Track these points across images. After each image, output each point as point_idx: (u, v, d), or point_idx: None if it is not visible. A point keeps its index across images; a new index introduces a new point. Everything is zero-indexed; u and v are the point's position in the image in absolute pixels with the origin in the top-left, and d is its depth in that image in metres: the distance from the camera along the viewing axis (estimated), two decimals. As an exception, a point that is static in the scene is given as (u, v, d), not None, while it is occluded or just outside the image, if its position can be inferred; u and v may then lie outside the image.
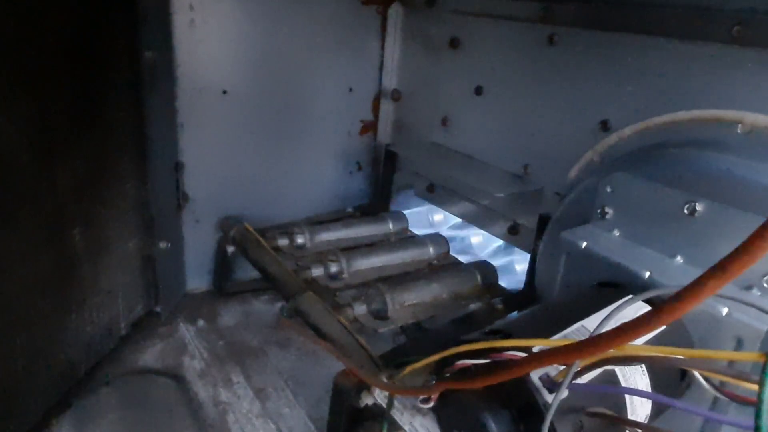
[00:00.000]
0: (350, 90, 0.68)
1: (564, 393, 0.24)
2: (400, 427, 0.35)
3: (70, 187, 0.44)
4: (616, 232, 0.39)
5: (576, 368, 0.23)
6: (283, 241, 0.59)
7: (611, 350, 0.22)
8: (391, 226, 0.65)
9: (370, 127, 0.71)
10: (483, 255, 0.67)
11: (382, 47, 0.68)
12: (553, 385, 0.25)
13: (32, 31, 0.38)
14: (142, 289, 0.57)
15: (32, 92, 0.39)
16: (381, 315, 0.47)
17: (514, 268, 0.62)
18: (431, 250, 0.59)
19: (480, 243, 0.67)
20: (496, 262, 0.59)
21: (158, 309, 0.59)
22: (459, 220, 0.66)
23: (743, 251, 0.14)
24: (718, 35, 0.38)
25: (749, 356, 0.17)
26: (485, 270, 0.56)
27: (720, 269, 0.15)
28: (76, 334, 0.47)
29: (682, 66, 0.41)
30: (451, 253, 0.61)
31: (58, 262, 0.44)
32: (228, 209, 0.64)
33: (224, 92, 0.58)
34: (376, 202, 0.74)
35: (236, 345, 0.56)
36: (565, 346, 0.20)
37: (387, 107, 0.70)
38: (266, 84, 0.62)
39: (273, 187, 0.67)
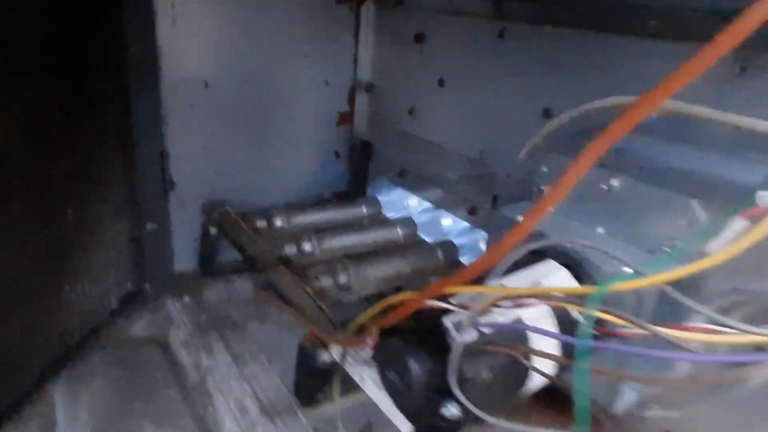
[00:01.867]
0: (327, 83, 0.73)
1: (470, 334, 0.28)
2: (352, 379, 0.40)
3: (62, 173, 0.49)
4: (549, 208, 0.44)
5: (477, 312, 0.28)
6: (261, 224, 0.63)
7: (493, 291, 0.27)
8: (364, 210, 0.70)
9: (346, 118, 0.76)
10: (452, 235, 0.71)
11: (356, 43, 0.72)
12: (460, 327, 0.30)
13: (24, 28, 0.43)
14: (132, 267, 0.62)
15: (25, 83, 0.43)
16: (345, 287, 0.52)
17: (479, 246, 0.67)
18: (399, 231, 0.64)
19: (450, 225, 0.72)
20: (462, 241, 0.63)
21: (147, 286, 0.63)
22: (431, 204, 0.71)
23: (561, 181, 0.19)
24: (639, 29, 0.43)
25: (580, 289, 0.21)
26: (447, 248, 0.61)
27: (549, 195, 0.20)
28: (69, 307, 0.52)
29: (611, 57, 0.46)
30: (420, 234, 0.66)
31: (51, 241, 0.48)
32: (212, 194, 0.68)
33: (206, 84, 0.63)
34: (353, 188, 0.78)
35: (218, 318, 0.61)
36: (442, 281, 0.25)
37: (362, 99, 0.75)
38: (246, 77, 0.66)
39: (255, 173, 0.72)
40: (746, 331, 0.22)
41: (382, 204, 0.72)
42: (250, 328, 0.59)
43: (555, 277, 0.35)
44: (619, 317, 0.23)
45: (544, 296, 0.26)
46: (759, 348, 0.25)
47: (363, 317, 0.35)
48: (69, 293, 0.51)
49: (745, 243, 0.23)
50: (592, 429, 0.23)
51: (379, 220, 0.68)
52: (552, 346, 0.34)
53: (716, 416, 0.37)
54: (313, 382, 0.45)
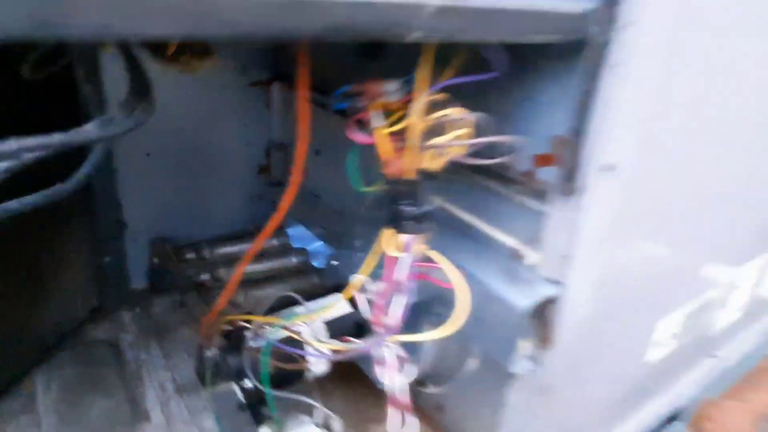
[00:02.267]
0: (247, 144, 0.95)
1: (257, 342, 0.50)
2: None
3: (35, 225, 0.71)
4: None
5: (257, 331, 0.50)
6: (191, 255, 0.86)
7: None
8: (275, 241, 0.92)
9: (265, 169, 0.98)
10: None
11: (269, 113, 0.94)
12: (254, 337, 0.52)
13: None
14: (96, 287, 0.84)
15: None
16: (237, 305, 0.74)
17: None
18: (294, 260, 0.86)
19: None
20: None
21: (108, 302, 0.86)
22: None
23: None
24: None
25: (273, 319, 0.43)
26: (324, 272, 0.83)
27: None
28: (45, 318, 0.74)
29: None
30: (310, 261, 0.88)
31: (28, 272, 0.70)
32: (158, 231, 0.91)
33: (148, 155, 0.85)
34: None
35: (159, 325, 0.83)
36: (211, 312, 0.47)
37: (277, 155, 0.97)
38: (182, 145, 0.89)
39: (194, 213, 0.94)
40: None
41: (289, 236, 0.94)
42: (180, 332, 0.81)
43: (337, 303, 0.57)
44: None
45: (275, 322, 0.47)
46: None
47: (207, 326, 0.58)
48: (44, 309, 0.73)
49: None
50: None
51: (283, 250, 0.91)
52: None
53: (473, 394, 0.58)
54: (205, 368, 0.67)
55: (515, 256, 0.49)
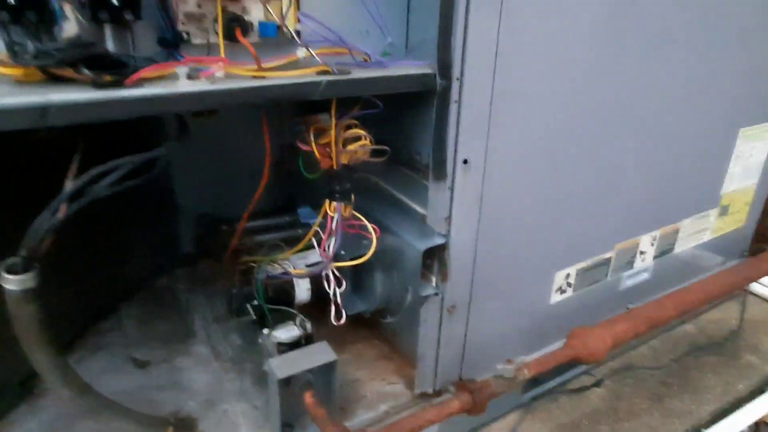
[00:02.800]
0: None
1: (260, 276, 0.79)
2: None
3: (122, 211, 1.02)
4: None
5: (264, 270, 0.79)
6: (225, 227, 1.16)
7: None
8: (287, 217, 1.21)
9: (280, 163, 1.27)
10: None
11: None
12: (259, 272, 0.80)
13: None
14: (159, 251, 1.16)
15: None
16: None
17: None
18: (299, 230, 1.15)
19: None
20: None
21: (168, 261, 1.18)
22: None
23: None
24: None
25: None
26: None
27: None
28: (127, 270, 1.06)
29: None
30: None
31: (118, 238, 1.02)
32: (202, 209, 1.21)
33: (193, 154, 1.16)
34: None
35: (202, 277, 1.14)
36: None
37: (287, 152, 1.25)
38: (220, 146, 1.19)
39: (228, 196, 1.24)
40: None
41: (299, 214, 1.23)
42: (217, 282, 1.12)
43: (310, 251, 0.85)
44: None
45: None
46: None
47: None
48: (127, 264, 1.05)
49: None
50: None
51: (293, 224, 1.19)
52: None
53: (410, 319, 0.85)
54: (231, 303, 0.96)
55: (423, 219, 0.75)
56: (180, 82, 0.50)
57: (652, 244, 1.03)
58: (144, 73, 0.48)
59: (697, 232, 1.10)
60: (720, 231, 1.15)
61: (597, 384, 1.03)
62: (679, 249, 1.09)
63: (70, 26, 0.47)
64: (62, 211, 0.48)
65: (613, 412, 0.97)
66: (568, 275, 0.92)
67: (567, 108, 0.76)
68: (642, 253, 1.02)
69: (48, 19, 0.46)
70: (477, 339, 0.84)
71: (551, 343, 0.95)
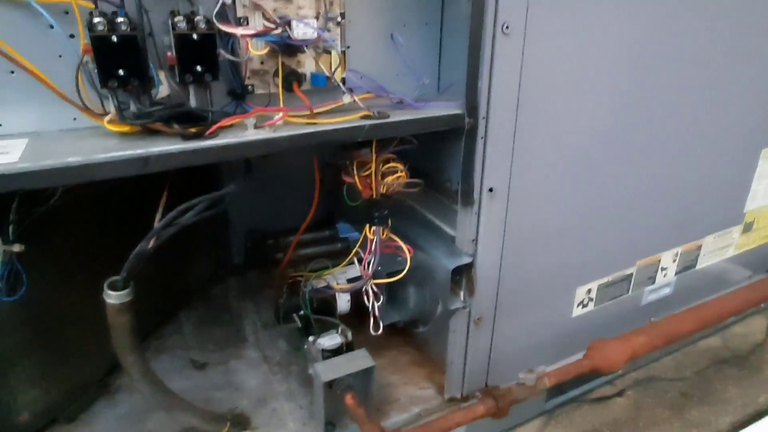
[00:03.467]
0: (307, 163, 1.34)
1: (306, 288, 0.89)
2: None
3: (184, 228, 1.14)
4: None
5: (305, 282, 0.88)
6: (271, 241, 1.27)
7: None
8: (327, 232, 1.31)
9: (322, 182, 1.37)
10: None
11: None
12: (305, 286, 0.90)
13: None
14: (213, 262, 1.28)
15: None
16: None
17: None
18: (339, 245, 1.24)
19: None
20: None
21: (220, 271, 1.29)
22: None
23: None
24: None
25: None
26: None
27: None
28: (187, 279, 1.18)
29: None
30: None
31: (180, 252, 1.14)
32: (251, 225, 1.33)
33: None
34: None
35: (251, 286, 1.25)
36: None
37: (328, 172, 1.35)
38: (267, 169, 1.30)
39: (274, 213, 1.35)
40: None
41: (338, 229, 1.32)
42: (264, 291, 1.22)
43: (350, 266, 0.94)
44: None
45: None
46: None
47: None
48: (187, 273, 1.17)
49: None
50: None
51: (333, 238, 1.29)
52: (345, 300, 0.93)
53: (440, 328, 0.94)
54: (279, 311, 1.06)
55: (452, 240, 0.83)
56: (248, 131, 0.60)
57: (674, 261, 1.08)
58: (220, 124, 0.58)
59: (720, 248, 1.14)
60: (745, 247, 1.19)
61: (619, 394, 1.09)
62: (702, 265, 1.13)
63: (163, 89, 0.58)
64: (153, 242, 0.58)
65: (633, 421, 1.02)
66: (589, 290, 0.98)
67: (587, 135, 0.83)
68: (663, 269, 1.07)
69: (147, 84, 0.56)
70: (502, 349, 0.91)
71: (574, 354, 1.01)
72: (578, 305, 0.98)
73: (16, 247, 0.58)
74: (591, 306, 1.00)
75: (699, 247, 1.10)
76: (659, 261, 1.05)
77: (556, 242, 0.88)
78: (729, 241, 1.15)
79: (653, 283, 1.08)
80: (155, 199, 0.62)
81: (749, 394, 1.07)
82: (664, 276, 1.09)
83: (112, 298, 0.60)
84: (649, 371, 1.14)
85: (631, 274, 1.03)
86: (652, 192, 0.96)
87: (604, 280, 0.99)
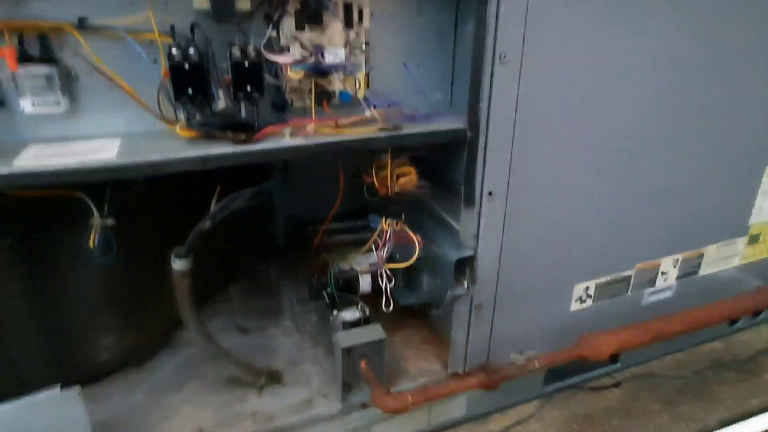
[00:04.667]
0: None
1: (333, 269, 1.04)
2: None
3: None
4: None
5: (333, 265, 1.03)
6: (310, 227, 1.43)
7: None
8: (359, 222, 1.46)
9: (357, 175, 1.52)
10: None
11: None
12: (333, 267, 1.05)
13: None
14: (258, 244, 1.46)
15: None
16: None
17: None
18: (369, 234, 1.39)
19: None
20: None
21: (264, 252, 1.47)
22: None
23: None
24: None
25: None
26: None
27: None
28: (235, 259, 1.36)
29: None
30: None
31: (229, 235, 1.33)
32: (292, 212, 1.50)
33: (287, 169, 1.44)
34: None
35: (290, 266, 1.42)
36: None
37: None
38: (309, 164, 1.46)
39: (313, 201, 1.52)
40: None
41: (369, 219, 1.47)
42: (302, 271, 1.39)
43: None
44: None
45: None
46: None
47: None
48: (236, 253, 1.35)
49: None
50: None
51: (364, 227, 1.44)
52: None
53: (450, 311, 1.08)
54: (311, 289, 1.22)
55: (458, 233, 0.96)
56: (285, 138, 0.75)
57: (675, 266, 1.15)
58: (263, 132, 0.74)
59: (724, 258, 1.20)
60: (751, 258, 1.24)
61: (616, 385, 1.18)
62: (704, 272, 1.20)
63: (221, 103, 0.74)
64: (208, 224, 0.75)
65: (626, 410, 1.11)
66: (587, 288, 1.08)
67: (583, 145, 0.93)
68: (664, 273, 1.15)
69: (208, 99, 0.73)
70: (501, 333, 1.03)
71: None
72: (576, 300, 1.08)
73: (109, 221, 0.76)
74: (589, 302, 1.10)
75: (701, 255, 1.17)
76: (659, 266, 1.13)
77: (553, 242, 0.99)
78: (733, 252, 1.20)
79: (653, 285, 1.16)
80: (211, 189, 0.79)
81: (742, 396, 1.14)
82: (665, 280, 1.16)
83: (177, 264, 0.77)
84: (649, 367, 1.23)
85: (630, 276, 1.11)
86: (651, 199, 1.04)
87: (602, 279, 1.09)
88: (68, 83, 0.71)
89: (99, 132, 0.76)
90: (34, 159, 0.66)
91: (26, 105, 0.68)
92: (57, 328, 0.93)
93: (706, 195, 1.10)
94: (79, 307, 0.94)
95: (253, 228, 1.41)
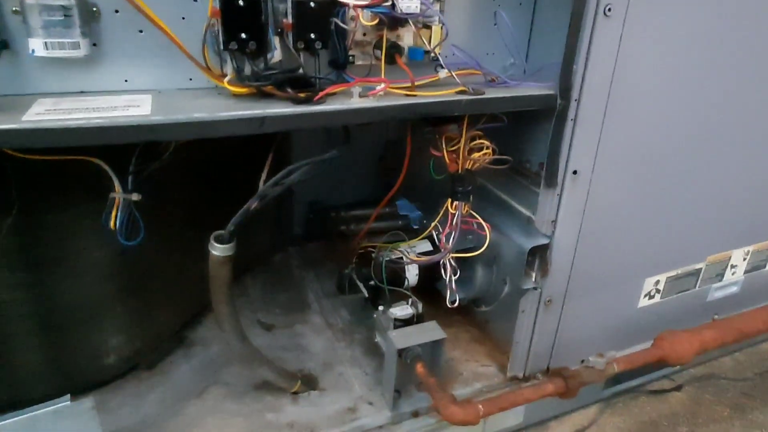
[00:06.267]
0: (372, 141, 1.36)
1: (381, 258, 0.91)
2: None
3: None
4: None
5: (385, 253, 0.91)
6: (333, 214, 1.30)
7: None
8: (387, 209, 1.33)
9: (384, 158, 1.39)
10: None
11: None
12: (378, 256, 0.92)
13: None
14: (276, 232, 1.32)
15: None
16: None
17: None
18: (399, 221, 1.26)
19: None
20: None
21: (282, 241, 1.34)
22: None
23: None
24: None
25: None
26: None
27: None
28: (251, 246, 1.23)
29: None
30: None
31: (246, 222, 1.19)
32: (313, 197, 1.36)
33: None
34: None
35: (312, 257, 1.29)
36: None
37: (391, 148, 1.37)
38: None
39: (337, 187, 1.38)
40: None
41: (398, 206, 1.34)
42: (325, 262, 1.26)
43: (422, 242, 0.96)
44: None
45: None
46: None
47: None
48: (251, 241, 1.21)
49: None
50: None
51: (393, 215, 1.31)
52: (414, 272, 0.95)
53: (505, 309, 0.95)
54: (343, 281, 1.09)
55: (528, 220, 0.84)
56: (353, 99, 0.62)
57: (744, 259, 1.06)
58: (327, 91, 0.61)
59: (793, 251, 1.12)
60: (818, 251, 1.15)
61: (677, 388, 1.08)
62: (772, 266, 1.11)
63: (277, 54, 0.60)
64: (258, 203, 0.61)
65: (692, 416, 1.02)
66: (657, 282, 0.97)
67: (671, 127, 0.82)
68: (733, 266, 1.05)
69: (263, 48, 0.59)
70: (568, 332, 0.92)
71: (635, 345, 1.01)
72: (645, 296, 0.98)
73: (135, 196, 0.62)
74: (657, 298, 1.00)
75: (772, 247, 1.08)
76: (729, 258, 1.04)
77: (630, 230, 0.88)
78: (804, 244, 1.12)
79: (721, 280, 1.06)
80: (246, 164, 0.65)
81: (814, 400, 1.05)
82: (733, 274, 1.07)
83: (217, 250, 0.64)
84: (708, 369, 1.13)
85: (700, 269, 1.01)
86: (727, 188, 0.94)
87: (673, 273, 0.98)
88: (89, 21, 0.56)
89: (123, 87, 0.62)
90: (47, 114, 0.51)
91: (37, 46, 0.54)
92: (58, 325, 0.79)
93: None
94: (85, 300, 0.80)
95: (269, 214, 1.27)
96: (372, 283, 0.93)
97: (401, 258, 0.89)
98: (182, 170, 0.77)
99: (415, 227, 1.27)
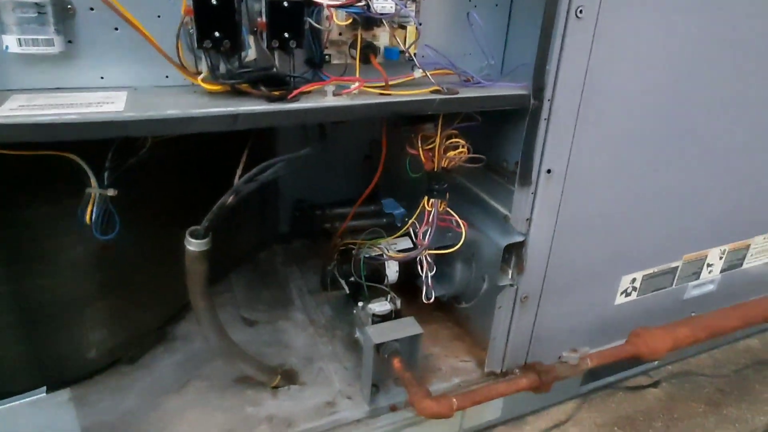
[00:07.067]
0: (357, 139, 1.37)
1: (362, 254, 0.92)
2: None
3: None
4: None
5: (364, 250, 0.92)
6: (318, 212, 1.31)
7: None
8: (372, 207, 1.34)
9: (369, 158, 1.40)
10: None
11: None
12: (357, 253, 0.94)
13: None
14: (261, 229, 1.33)
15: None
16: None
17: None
18: (384, 219, 1.27)
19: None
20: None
21: (267, 238, 1.34)
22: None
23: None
24: None
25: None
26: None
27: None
28: (236, 244, 1.23)
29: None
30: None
31: (232, 220, 1.19)
32: (299, 196, 1.37)
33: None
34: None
35: (297, 254, 1.30)
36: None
37: (376, 148, 1.38)
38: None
39: (322, 185, 1.39)
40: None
41: (383, 204, 1.35)
42: (309, 259, 1.27)
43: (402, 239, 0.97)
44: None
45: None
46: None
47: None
48: (235, 239, 1.22)
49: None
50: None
51: (378, 213, 1.32)
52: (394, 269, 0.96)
53: (484, 305, 0.97)
54: (326, 278, 1.10)
55: (505, 218, 0.86)
56: (327, 98, 0.63)
57: (721, 258, 1.07)
58: (302, 89, 0.62)
59: (768, 250, 1.13)
60: (794, 250, 1.18)
61: (654, 385, 1.10)
62: (748, 265, 1.13)
63: (252, 52, 0.61)
64: (232, 198, 0.62)
65: (668, 412, 1.04)
66: (634, 279, 0.99)
67: (645, 124, 0.83)
68: (709, 265, 1.07)
69: (237, 46, 0.60)
70: (544, 328, 0.93)
71: (613, 341, 1.03)
72: (621, 293, 1.00)
73: (110, 192, 0.63)
74: (634, 295, 1.01)
75: (747, 247, 1.10)
76: (706, 257, 1.05)
77: (606, 228, 0.89)
78: (779, 243, 1.14)
79: (697, 278, 1.08)
80: (225, 161, 0.66)
81: (788, 396, 1.07)
82: (709, 272, 1.08)
83: (193, 245, 0.65)
84: (685, 365, 1.15)
85: (677, 268, 1.03)
86: (703, 187, 0.96)
87: (650, 271, 1.00)
88: (63, 18, 0.57)
89: (99, 84, 0.62)
90: (20, 110, 0.52)
91: (11, 42, 0.54)
92: (38, 320, 0.79)
93: (757, 183, 1.02)
94: (64, 294, 0.80)
95: (255, 212, 1.28)
96: (353, 279, 0.94)
97: (381, 255, 0.90)
98: (162, 167, 0.78)
99: (399, 225, 1.29)
